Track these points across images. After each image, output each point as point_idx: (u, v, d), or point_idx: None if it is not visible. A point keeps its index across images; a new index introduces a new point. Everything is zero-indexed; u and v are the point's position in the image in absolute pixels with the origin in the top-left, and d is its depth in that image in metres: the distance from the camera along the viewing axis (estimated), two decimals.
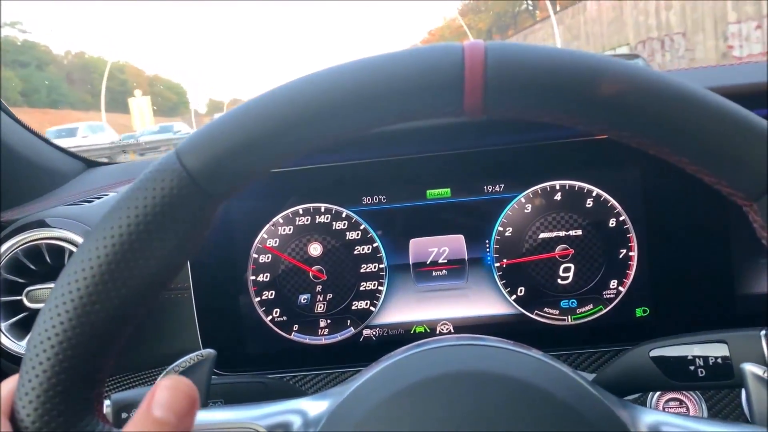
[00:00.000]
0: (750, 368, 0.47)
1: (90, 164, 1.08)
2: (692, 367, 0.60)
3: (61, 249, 0.76)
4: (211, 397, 0.60)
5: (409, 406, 0.39)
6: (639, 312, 0.79)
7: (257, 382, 0.64)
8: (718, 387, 0.59)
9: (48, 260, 0.76)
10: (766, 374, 0.46)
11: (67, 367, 0.35)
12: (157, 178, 0.36)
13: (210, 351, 0.53)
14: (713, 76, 0.85)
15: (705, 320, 0.78)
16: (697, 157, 0.35)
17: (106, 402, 0.56)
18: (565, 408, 0.39)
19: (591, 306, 0.79)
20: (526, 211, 0.79)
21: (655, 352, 0.62)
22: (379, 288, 0.80)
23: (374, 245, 0.80)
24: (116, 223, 0.35)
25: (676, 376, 0.60)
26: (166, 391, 0.33)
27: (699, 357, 0.59)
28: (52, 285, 0.76)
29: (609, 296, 0.79)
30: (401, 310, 0.80)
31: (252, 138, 0.36)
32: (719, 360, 0.59)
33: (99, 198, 0.86)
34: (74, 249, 0.76)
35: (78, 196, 0.90)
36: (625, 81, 0.35)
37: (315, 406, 0.43)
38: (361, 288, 0.80)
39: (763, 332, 0.56)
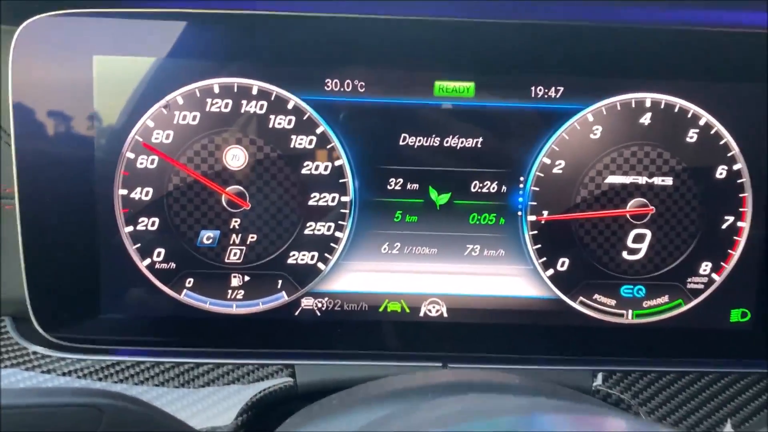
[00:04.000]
0: None
1: None
2: None
3: None
4: None
5: None
6: (735, 315, 0.54)
7: (84, 405, 0.33)
8: None
9: None
10: None
11: None
12: None
13: None
14: None
15: None
16: None
17: None
18: None
19: (666, 298, 0.56)
20: (592, 135, 0.53)
21: None
22: (337, 234, 0.53)
23: (337, 163, 0.51)
24: None
25: None
26: None
27: None
28: None
29: (695, 286, 0.55)
30: (366, 272, 0.55)
31: None
32: None
33: None
34: None
35: None
36: None
37: None
38: (307, 230, 0.53)
39: None
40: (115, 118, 0.50)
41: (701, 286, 0.54)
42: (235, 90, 0.51)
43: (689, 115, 0.51)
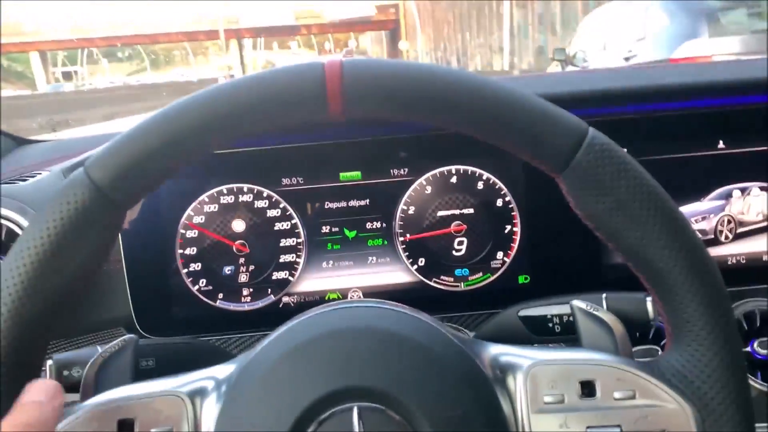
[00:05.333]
0: (576, 303, 0.60)
1: (19, 142, 1.12)
2: (551, 325, 0.73)
3: None
4: (144, 356, 0.68)
5: (299, 362, 0.49)
6: (521, 279, 0.91)
7: (185, 342, 0.73)
8: (569, 340, 0.72)
9: None
10: (587, 306, 0.59)
11: (5, 354, 0.43)
12: (69, 193, 0.44)
13: (132, 337, 0.59)
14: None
15: (575, 286, 0.91)
16: (513, 142, 0.47)
17: (49, 362, 0.64)
18: (421, 348, 0.50)
19: (480, 274, 0.90)
20: (426, 192, 0.90)
21: (523, 312, 0.74)
22: (297, 260, 0.89)
23: (293, 222, 0.89)
24: (36, 234, 0.44)
25: (537, 331, 0.73)
26: (31, 386, 0.41)
27: (555, 316, 0.72)
28: None
29: (496, 266, 0.90)
30: (317, 279, 0.89)
31: (152, 151, 0.44)
32: (571, 318, 0.72)
33: (32, 177, 0.91)
34: (10, 225, 0.82)
35: (10, 173, 0.94)
36: (450, 86, 0.46)
37: (226, 369, 0.50)
38: (281, 260, 0.88)
39: (603, 295, 0.69)
40: (173, 211, 0.89)
41: (499, 265, 0.89)
42: (234, 189, 0.87)
43: (477, 174, 0.90)
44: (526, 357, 0.54)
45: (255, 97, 0.45)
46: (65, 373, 0.65)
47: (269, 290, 0.88)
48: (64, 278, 0.45)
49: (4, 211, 0.82)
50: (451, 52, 28.35)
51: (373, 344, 0.51)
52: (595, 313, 0.61)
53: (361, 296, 0.91)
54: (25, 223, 0.82)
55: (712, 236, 0.92)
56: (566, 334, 0.71)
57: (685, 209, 0.90)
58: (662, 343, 0.86)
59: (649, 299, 0.67)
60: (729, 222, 0.92)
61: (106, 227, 0.46)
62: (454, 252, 0.90)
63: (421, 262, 0.90)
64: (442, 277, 0.91)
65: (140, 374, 0.64)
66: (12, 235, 0.81)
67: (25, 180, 0.90)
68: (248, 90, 0.46)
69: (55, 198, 0.45)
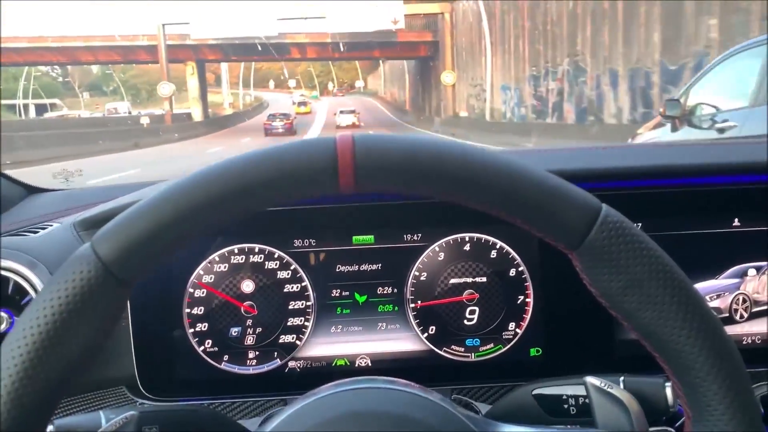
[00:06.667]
0: (590, 380, 0.59)
1: (31, 191, 1.12)
2: (566, 406, 0.71)
3: (6, 279, 0.81)
4: (148, 423, 0.66)
5: None
6: (533, 351, 0.90)
7: (190, 410, 0.71)
8: (585, 423, 0.70)
9: None
10: (602, 384, 0.58)
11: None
12: (75, 269, 0.43)
13: (132, 413, 0.58)
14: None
15: (588, 360, 0.90)
16: (526, 218, 0.47)
17: (50, 428, 0.62)
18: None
19: (492, 345, 0.89)
20: (439, 258, 0.89)
21: (537, 391, 0.73)
22: (305, 323, 0.88)
23: (303, 284, 0.88)
24: (40, 312, 0.42)
25: (552, 412, 0.71)
26: None
27: (571, 396, 0.71)
28: None
29: (507, 337, 0.90)
30: (324, 344, 0.89)
31: (160, 228, 0.42)
32: (587, 400, 0.70)
33: (43, 228, 0.90)
34: (18, 279, 0.81)
35: (21, 224, 0.94)
36: (462, 163, 0.45)
37: None
38: (289, 323, 0.88)
39: (621, 378, 0.68)
40: (183, 269, 0.90)
41: (511, 336, 0.88)
42: (246, 250, 0.88)
43: (490, 243, 0.91)
44: None
45: (266, 173, 0.45)
46: None
47: (275, 354, 0.87)
48: (67, 359, 0.43)
49: (14, 265, 0.81)
50: (593, 85, 15.98)
51: (388, 429, 0.50)
52: (609, 390, 0.60)
53: (369, 363, 0.90)
54: (34, 277, 0.81)
55: (727, 315, 0.91)
56: (582, 416, 0.69)
57: (700, 287, 0.89)
58: (677, 425, 0.84)
59: (668, 384, 0.65)
60: (744, 301, 0.91)
61: (111, 305, 0.44)
62: (465, 321, 0.89)
63: (432, 330, 0.89)
64: (453, 346, 0.90)
65: None
66: (20, 290, 0.80)
67: (36, 232, 0.89)
68: (259, 166, 0.45)
69: (60, 274, 0.44)
